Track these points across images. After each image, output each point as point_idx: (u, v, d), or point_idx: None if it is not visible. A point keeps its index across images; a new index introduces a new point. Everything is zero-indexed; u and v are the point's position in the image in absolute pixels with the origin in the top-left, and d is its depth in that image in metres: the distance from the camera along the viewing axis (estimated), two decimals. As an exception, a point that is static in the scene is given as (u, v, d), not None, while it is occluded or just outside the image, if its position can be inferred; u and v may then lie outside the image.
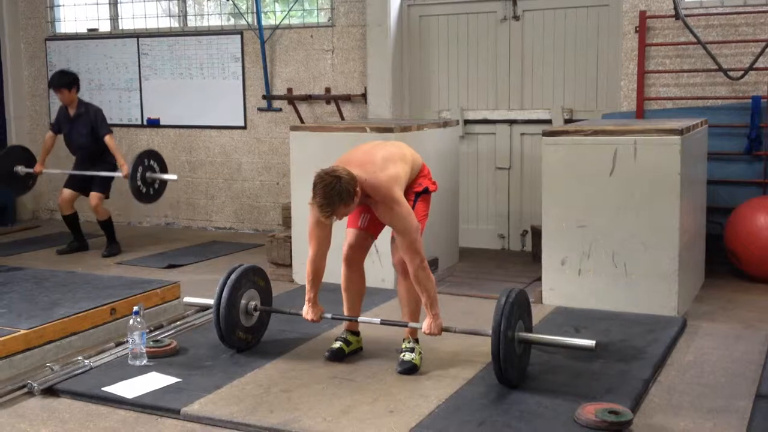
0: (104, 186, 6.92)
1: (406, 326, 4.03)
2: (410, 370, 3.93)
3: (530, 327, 3.88)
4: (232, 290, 4.18)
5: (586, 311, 4.89)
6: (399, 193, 3.84)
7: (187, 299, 4.69)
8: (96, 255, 6.96)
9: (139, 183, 6.66)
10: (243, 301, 4.24)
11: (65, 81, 6.79)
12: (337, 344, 4.18)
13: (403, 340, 4.07)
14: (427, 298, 3.86)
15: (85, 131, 6.81)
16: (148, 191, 6.77)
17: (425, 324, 3.89)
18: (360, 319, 4.18)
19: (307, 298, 4.12)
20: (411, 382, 3.84)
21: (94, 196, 6.85)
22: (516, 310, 3.66)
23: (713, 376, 3.91)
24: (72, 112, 6.86)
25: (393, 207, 3.80)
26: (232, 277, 4.21)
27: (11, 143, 8.86)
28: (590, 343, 3.71)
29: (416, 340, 4.06)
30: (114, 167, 6.84)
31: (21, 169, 7.05)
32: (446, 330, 3.92)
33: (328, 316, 4.16)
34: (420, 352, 4.03)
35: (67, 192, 6.98)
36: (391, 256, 4.03)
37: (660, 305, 4.82)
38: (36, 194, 8.91)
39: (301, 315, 4.15)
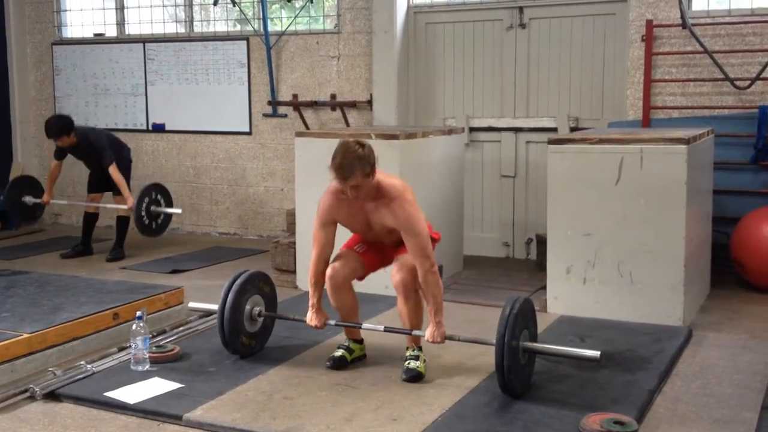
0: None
1: (409, 334, 4.00)
2: (415, 377, 3.91)
3: (535, 335, 3.86)
4: (236, 295, 4.16)
5: (591, 320, 4.87)
6: (413, 197, 3.86)
7: (191, 304, 4.68)
8: (100, 259, 6.96)
9: (143, 215, 6.64)
10: (247, 307, 4.23)
11: (63, 129, 6.71)
12: (340, 352, 4.16)
13: (407, 348, 4.05)
14: (433, 304, 3.84)
15: (93, 158, 6.88)
16: (152, 224, 6.76)
17: (428, 332, 3.87)
18: (364, 326, 4.16)
19: (310, 303, 4.11)
20: (414, 390, 3.82)
21: (119, 198, 6.92)
22: (521, 320, 3.64)
23: (719, 386, 3.88)
24: (77, 148, 6.88)
25: (406, 207, 3.80)
26: (237, 282, 4.20)
27: (16, 148, 8.89)
28: (595, 354, 3.69)
29: (420, 348, 4.04)
30: (126, 162, 7.01)
31: (29, 199, 7.17)
32: (450, 338, 3.90)
33: (332, 322, 4.15)
34: (425, 360, 4.01)
35: (91, 195, 7.10)
36: (392, 277, 3.95)
37: (665, 315, 4.79)
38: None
39: (305, 321, 4.14)
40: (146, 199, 6.72)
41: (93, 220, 7.16)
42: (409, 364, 3.97)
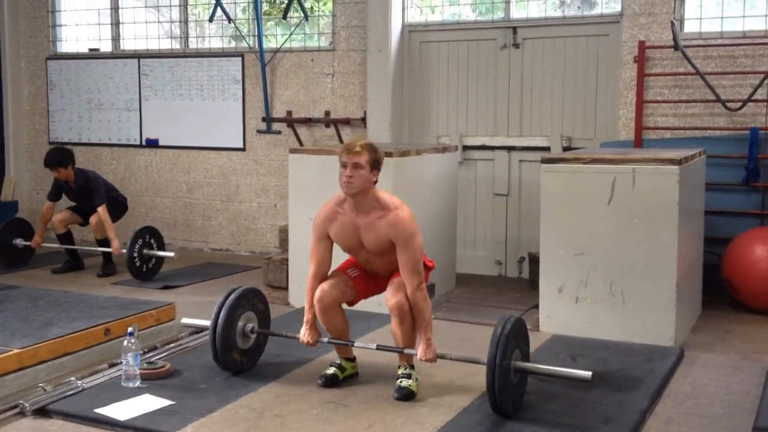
0: (113, 214, 6.99)
1: (401, 352, 3.99)
2: (407, 396, 3.90)
3: (527, 354, 3.85)
4: (229, 311, 4.15)
5: (583, 339, 4.87)
6: (412, 215, 3.88)
7: (184, 320, 4.66)
8: (91, 274, 6.94)
9: (135, 258, 6.61)
10: (240, 323, 4.21)
11: (60, 159, 6.77)
12: (332, 370, 4.15)
13: (399, 366, 4.03)
14: (421, 321, 3.85)
15: (87, 198, 6.89)
16: (143, 267, 6.70)
17: (420, 350, 3.86)
18: (356, 344, 4.15)
19: (305, 320, 4.09)
20: (406, 409, 3.80)
21: (94, 220, 6.88)
22: (512, 340, 3.63)
23: (711, 407, 3.88)
24: (73, 185, 6.91)
25: (404, 218, 3.82)
26: (231, 298, 4.19)
27: (9, 162, 8.88)
28: (586, 374, 3.68)
29: (412, 366, 4.03)
30: (121, 205, 7.12)
31: (20, 242, 7.18)
32: (441, 357, 3.90)
33: (325, 340, 4.14)
34: (417, 378, 4.00)
35: (66, 213, 7.05)
36: (387, 300, 3.93)
37: (657, 335, 4.80)
38: (32, 213, 8.89)
39: (298, 338, 4.12)
40: (139, 242, 6.65)
41: (67, 237, 7.09)
42: (401, 382, 3.96)
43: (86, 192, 6.87)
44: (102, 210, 6.79)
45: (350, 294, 4.11)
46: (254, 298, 4.32)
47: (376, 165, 3.85)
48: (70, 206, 7.15)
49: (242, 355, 4.24)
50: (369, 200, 3.87)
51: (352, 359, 4.22)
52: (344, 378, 4.14)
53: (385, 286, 4.05)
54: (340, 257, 4.18)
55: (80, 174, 6.91)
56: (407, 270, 3.83)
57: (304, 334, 4.09)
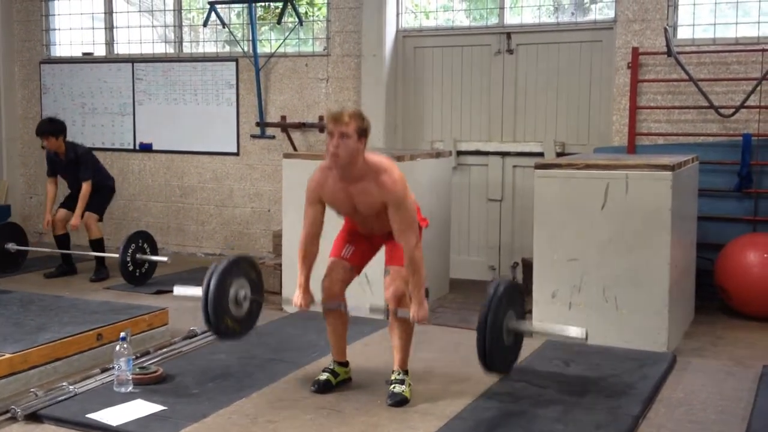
0: (99, 207, 6.98)
1: (395, 314, 3.90)
2: (401, 402, 3.89)
3: (522, 314, 3.80)
4: (221, 277, 4.01)
5: (576, 345, 4.87)
6: (403, 177, 3.84)
7: (176, 290, 4.53)
8: (84, 279, 6.92)
9: (128, 262, 6.60)
10: (232, 290, 4.07)
11: (52, 129, 6.78)
12: (324, 375, 4.14)
13: (393, 371, 4.02)
14: (417, 281, 3.80)
15: (75, 172, 6.88)
16: (136, 272, 6.68)
17: (412, 310, 3.83)
18: (350, 310, 4.06)
19: (298, 283, 4.04)
20: (399, 415, 3.80)
21: (88, 215, 6.90)
22: (504, 303, 3.57)
23: (703, 413, 3.88)
24: (63, 158, 6.90)
25: (395, 179, 3.77)
26: (223, 264, 4.06)
27: (2, 166, 8.86)
28: (580, 331, 3.63)
29: (406, 372, 4.02)
30: (108, 189, 7.03)
31: (12, 246, 7.17)
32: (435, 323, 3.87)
33: (317, 302, 4.05)
34: (410, 384, 4.00)
35: (62, 212, 7.02)
36: (385, 289, 3.94)
37: (650, 340, 4.80)
38: (24, 217, 8.88)
39: (292, 302, 4.04)
40: (132, 247, 6.62)
41: (65, 239, 7.09)
42: (394, 388, 3.95)
43: (75, 166, 6.84)
44: (86, 186, 6.78)
45: (351, 275, 4.11)
46: (247, 266, 4.19)
47: (363, 133, 3.76)
48: (65, 201, 7.09)
49: (235, 322, 4.09)
50: (358, 168, 3.80)
51: (345, 364, 4.22)
52: (337, 383, 4.13)
53: (379, 243, 4.06)
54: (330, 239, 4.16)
55: (71, 147, 6.89)
56: (402, 230, 3.78)
57: (297, 297, 4.03)
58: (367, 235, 4.12)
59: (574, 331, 3.69)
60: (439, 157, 6.30)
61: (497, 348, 3.58)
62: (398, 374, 4.00)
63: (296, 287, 4.05)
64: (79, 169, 6.85)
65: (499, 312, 3.55)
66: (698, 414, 3.87)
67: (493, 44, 6.91)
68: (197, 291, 4.13)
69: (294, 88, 7.63)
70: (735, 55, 6.08)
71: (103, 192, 7.02)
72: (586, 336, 3.67)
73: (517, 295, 3.79)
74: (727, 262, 5.64)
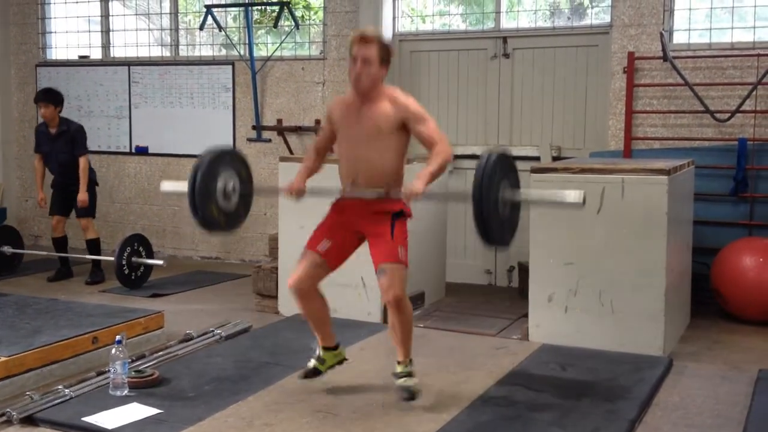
0: (89, 211, 6.96)
1: (388, 196, 3.84)
2: (413, 396, 3.87)
3: (517, 184, 3.76)
4: (211, 163, 3.92)
5: (572, 349, 4.88)
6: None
7: (163, 186, 4.44)
8: (80, 282, 6.91)
9: (124, 266, 6.58)
10: (221, 180, 3.95)
11: (51, 97, 6.81)
12: (312, 363, 4.11)
13: (398, 363, 3.96)
14: (434, 163, 3.79)
15: (66, 149, 6.82)
16: (131, 275, 6.67)
17: (410, 184, 3.79)
18: (357, 194, 3.92)
19: (295, 178, 4.04)
20: (396, 417, 3.80)
21: (82, 221, 6.92)
22: (498, 172, 3.54)
23: (699, 417, 3.89)
24: (53, 130, 6.87)
25: (413, 101, 3.89)
26: (213, 152, 3.98)
27: (-2, 168, 8.86)
28: (577, 195, 3.59)
29: (411, 361, 3.96)
30: (93, 184, 6.99)
31: (7, 249, 7.17)
32: (428, 197, 3.83)
33: (307, 191, 4.01)
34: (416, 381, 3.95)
35: (57, 218, 7.03)
36: (382, 293, 3.87)
37: (646, 344, 4.81)
38: (20, 220, 8.86)
39: (281, 190, 4.01)
40: (127, 250, 6.61)
41: (62, 242, 7.10)
42: (405, 381, 3.90)
43: (66, 140, 6.80)
44: (83, 161, 6.77)
45: (322, 273, 4.01)
46: (238, 162, 4.08)
47: (385, 60, 3.89)
48: (51, 209, 7.03)
49: (221, 214, 3.96)
50: (378, 94, 3.90)
51: (333, 348, 4.15)
52: (328, 368, 4.10)
53: (359, 234, 3.96)
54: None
55: (64, 121, 6.87)
56: (431, 137, 3.83)
57: (290, 185, 4.00)
58: (345, 229, 3.98)
59: (571, 196, 3.58)
60: (435, 161, 6.29)
61: (495, 220, 3.50)
62: (405, 366, 3.95)
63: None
64: (72, 143, 6.80)
65: (493, 181, 3.47)
66: (694, 418, 3.88)
67: (490, 48, 6.92)
68: (185, 185, 3.95)
69: (290, 91, 7.63)
70: (730, 59, 6.09)
71: (92, 190, 6.99)
72: (583, 200, 3.58)
73: (509, 165, 3.72)
74: (723, 267, 5.65)
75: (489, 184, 3.47)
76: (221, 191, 3.94)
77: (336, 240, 4.00)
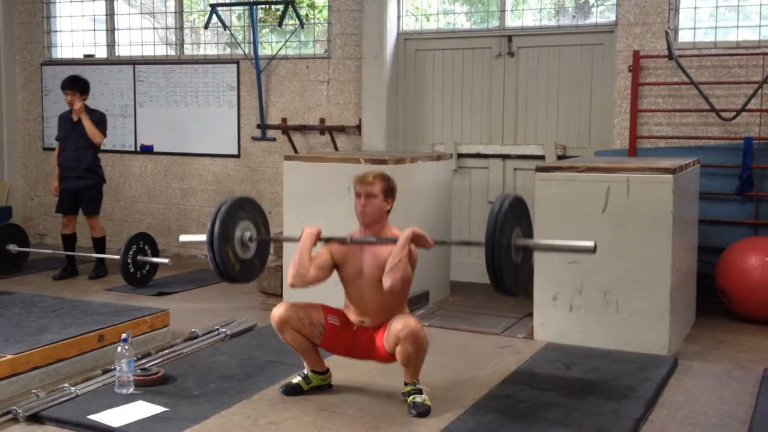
0: (94, 208, 7.03)
1: (393, 242, 3.83)
2: (425, 412, 3.79)
3: (529, 232, 3.74)
4: (231, 208, 3.92)
5: (577, 348, 4.88)
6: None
7: (182, 238, 4.44)
8: (85, 280, 6.94)
9: (129, 264, 6.59)
10: (237, 233, 3.97)
11: (77, 85, 6.93)
12: (296, 379, 4.10)
13: (405, 384, 3.91)
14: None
15: (85, 134, 6.90)
16: (137, 274, 6.67)
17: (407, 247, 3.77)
18: (356, 239, 3.94)
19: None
20: (401, 416, 3.80)
21: (89, 219, 7.02)
22: (511, 218, 3.53)
23: (704, 416, 3.89)
24: (76, 117, 6.94)
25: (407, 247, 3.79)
26: (227, 203, 3.98)
27: (3, 167, 8.86)
28: (589, 245, 3.61)
29: (418, 380, 3.92)
30: (100, 178, 7.05)
31: (13, 247, 7.20)
32: (441, 244, 3.81)
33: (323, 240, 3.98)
34: (427, 391, 3.91)
35: (67, 217, 7.10)
36: (400, 330, 3.73)
37: (651, 344, 4.80)
38: (25, 219, 8.88)
39: (297, 240, 3.95)
40: (133, 248, 6.62)
41: (72, 240, 7.15)
42: (414, 398, 3.85)
43: (84, 129, 6.88)
44: (100, 138, 6.91)
45: (309, 331, 3.97)
46: (253, 209, 4.09)
47: (389, 193, 3.91)
48: (57, 208, 7.12)
49: (236, 259, 3.97)
50: (381, 229, 3.90)
51: (323, 372, 4.12)
52: (311, 389, 4.07)
53: (364, 352, 3.99)
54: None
55: (88, 109, 6.97)
56: (395, 272, 3.73)
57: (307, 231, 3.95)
58: (352, 335, 4.00)
59: (583, 244, 3.61)
60: (439, 160, 6.31)
61: (507, 266, 3.49)
62: (414, 385, 3.89)
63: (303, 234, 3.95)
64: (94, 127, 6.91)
65: (505, 228, 3.45)
66: (699, 417, 3.87)
67: (494, 47, 6.92)
68: (202, 237, 3.97)
69: (295, 90, 7.63)
70: (736, 58, 6.08)
71: (99, 187, 7.08)
72: (594, 247, 3.60)
73: (523, 210, 3.70)
74: (728, 266, 5.64)
75: (501, 231, 3.47)
76: (239, 240, 3.98)
77: (344, 329, 4.01)
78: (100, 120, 6.98)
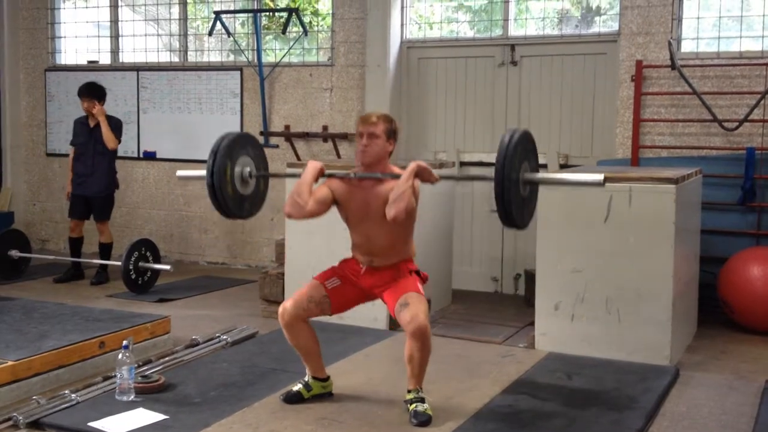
0: (105, 213, 7.09)
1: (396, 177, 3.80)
2: (427, 422, 3.76)
3: (536, 167, 3.74)
4: (232, 143, 3.95)
5: (578, 358, 4.87)
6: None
7: (179, 173, 4.48)
8: (87, 286, 6.94)
9: (131, 270, 6.60)
10: (237, 168, 4.00)
11: (94, 92, 6.97)
12: (297, 387, 4.08)
13: (408, 391, 3.89)
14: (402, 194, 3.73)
15: (102, 140, 6.95)
16: (138, 280, 6.68)
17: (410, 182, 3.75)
18: (359, 175, 3.91)
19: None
20: (401, 426, 3.79)
21: (100, 225, 7.09)
22: (520, 151, 3.52)
23: (706, 428, 3.87)
24: (92, 122, 6.99)
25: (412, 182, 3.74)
26: (224, 141, 4.00)
27: (6, 173, 8.88)
28: (599, 177, 3.59)
29: (421, 388, 3.89)
30: (114, 185, 7.13)
31: (15, 253, 7.21)
32: (447, 179, 3.85)
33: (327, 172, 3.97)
34: (428, 401, 3.89)
35: (75, 221, 7.15)
36: (406, 324, 3.73)
37: (653, 354, 4.79)
38: (28, 224, 8.88)
39: (298, 175, 3.94)
40: (134, 255, 6.63)
41: (79, 243, 7.19)
42: (416, 407, 3.81)
43: (100, 134, 6.93)
44: (114, 143, 6.95)
45: (319, 309, 3.97)
46: (248, 144, 4.11)
47: (392, 135, 3.91)
48: (69, 212, 7.17)
49: (235, 192, 4.00)
50: (383, 169, 3.89)
51: (324, 379, 4.11)
52: (312, 396, 4.06)
53: (372, 295, 3.98)
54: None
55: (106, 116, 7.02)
56: (400, 200, 3.71)
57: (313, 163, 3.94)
58: (358, 284, 3.99)
59: (591, 177, 3.59)
60: (442, 168, 6.29)
61: (515, 200, 3.49)
62: (417, 393, 3.85)
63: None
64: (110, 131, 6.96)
65: (515, 162, 3.46)
66: (701, 428, 3.86)
67: (497, 56, 6.93)
68: (201, 172, 4.04)
69: (298, 97, 7.64)
70: (739, 68, 6.08)
71: (111, 193, 7.14)
72: (603, 181, 3.58)
73: (530, 145, 3.70)
74: (730, 276, 5.63)
75: (510, 164, 3.46)
76: (238, 177, 4.00)
77: (346, 284, 4.00)
78: (116, 126, 7.03)
